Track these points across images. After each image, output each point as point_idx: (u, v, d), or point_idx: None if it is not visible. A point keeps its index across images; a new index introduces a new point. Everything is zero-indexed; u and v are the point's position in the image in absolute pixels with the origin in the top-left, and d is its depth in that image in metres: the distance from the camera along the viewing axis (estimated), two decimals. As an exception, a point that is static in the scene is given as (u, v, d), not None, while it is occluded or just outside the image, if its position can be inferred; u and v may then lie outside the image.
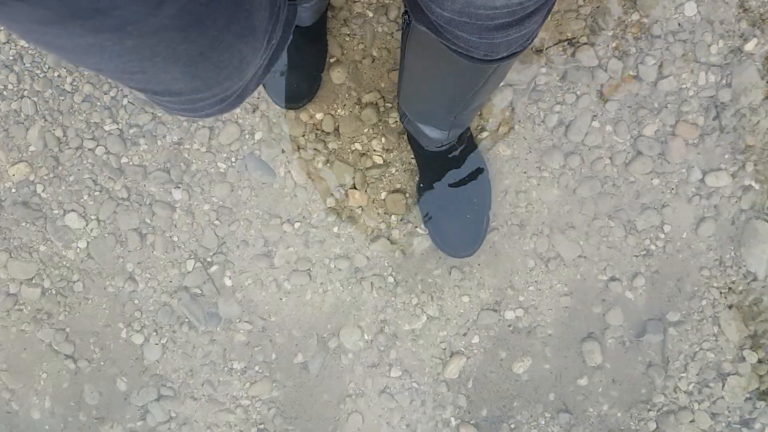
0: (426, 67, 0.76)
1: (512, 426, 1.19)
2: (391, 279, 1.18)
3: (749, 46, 1.10)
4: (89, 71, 1.01)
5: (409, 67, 0.84)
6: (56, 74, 1.17)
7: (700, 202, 1.14)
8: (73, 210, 1.16)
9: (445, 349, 1.19)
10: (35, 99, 1.15)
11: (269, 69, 0.58)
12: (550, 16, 1.09)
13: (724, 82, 1.11)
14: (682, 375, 1.17)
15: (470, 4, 0.49)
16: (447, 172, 1.11)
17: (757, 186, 1.13)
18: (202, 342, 1.19)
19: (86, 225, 1.17)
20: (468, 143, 1.11)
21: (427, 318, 1.18)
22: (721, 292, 1.16)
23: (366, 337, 1.19)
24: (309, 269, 1.18)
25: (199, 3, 0.42)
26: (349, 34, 1.12)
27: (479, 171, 1.13)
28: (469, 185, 1.12)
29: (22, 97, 1.16)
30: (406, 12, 0.70)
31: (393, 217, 1.17)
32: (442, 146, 1.07)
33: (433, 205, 1.13)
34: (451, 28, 0.55)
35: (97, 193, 1.16)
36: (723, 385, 1.17)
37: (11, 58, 1.16)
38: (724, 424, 1.18)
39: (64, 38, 0.39)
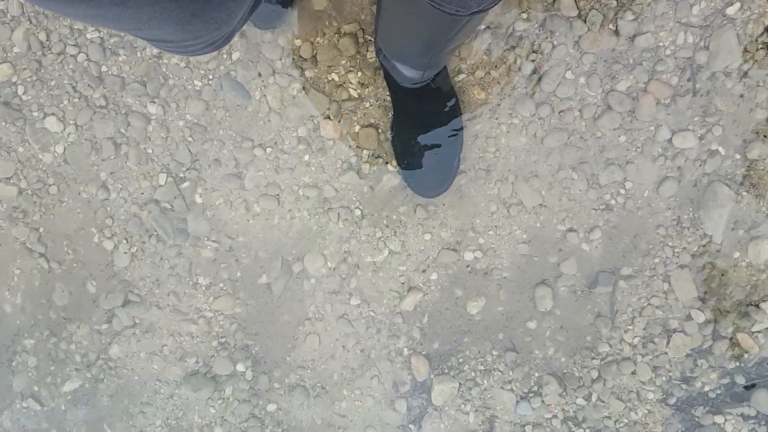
0: (401, 12, 0.79)
1: (460, 360, 1.26)
2: (357, 212, 1.23)
3: (731, 10, 1.11)
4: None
5: (385, 10, 0.87)
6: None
7: (664, 163, 1.17)
8: (52, 114, 1.20)
9: (403, 283, 1.25)
10: (21, 0, 1.18)
11: (254, 10, 0.65)
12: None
13: (702, 44, 1.13)
14: (629, 328, 1.23)
15: None
16: (421, 111, 1.15)
17: (722, 151, 1.17)
18: (169, 254, 1.25)
19: (64, 129, 1.21)
20: (443, 84, 1.14)
21: (389, 252, 1.24)
22: (675, 252, 1.21)
23: (329, 265, 1.25)
24: (278, 194, 1.23)
25: None
26: (333, -38, 1.14)
27: (453, 113, 1.16)
28: (443, 126, 1.16)
29: (8, -3, 1.19)
30: None
31: (364, 151, 1.21)
32: (416, 84, 1.10)
33: (405, 143, 1.17)
34: None
35: (76, 100, 1.20)
36: (667, 342, 1.24)
37: (-1, -43, 1.19)
38: (664, 378, 1.25)
39: (69, 7, 0.47)
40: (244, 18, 0.64)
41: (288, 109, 1.20)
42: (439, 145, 1.16)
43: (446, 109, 1.15)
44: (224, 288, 1.27)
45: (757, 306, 1.21)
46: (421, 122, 1.16)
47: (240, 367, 1.29)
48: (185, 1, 0.51)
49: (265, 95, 1.19)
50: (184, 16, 0.52)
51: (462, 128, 1.18)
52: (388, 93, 1.19)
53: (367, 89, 1.19)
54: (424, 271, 1.25)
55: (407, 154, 1.17)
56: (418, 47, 0.88)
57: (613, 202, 1.20)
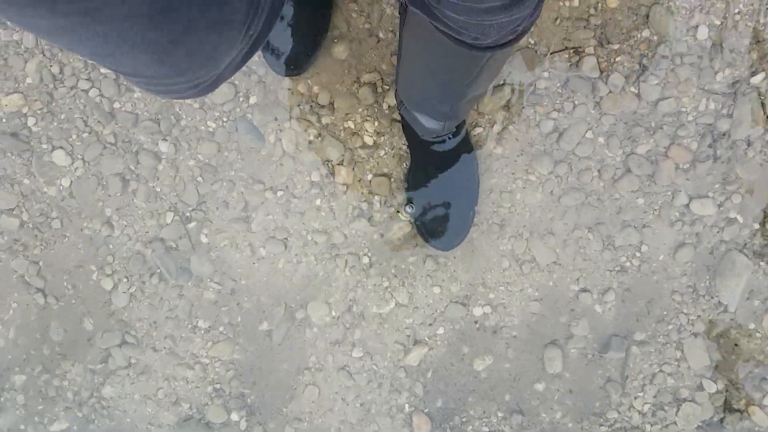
0: (421, 52, 0.79)
1: (464, 419, 1.23)
2: (365, 259, 1.21)
3: (756, 79, 1.12)
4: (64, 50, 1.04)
5: (406, 52, 0.86)
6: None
7: (681, 228, 1.17)
8: (61, 147, 1.19)
9: (409, 336, 1.23)
10: (36, 31, 1.18)
11: (249, 57, 0.61)
12: (559, 22, 1.11)
13: (724, 111, 1.13)
14: (639, 394, 1.21)
15: None
16: (438, 163, 1.14)
17: (741, 219, 1.16)
18: (170, 295, 1.23)
19: (72, 164, 1.20)
20: (462, 137, 1.13)
21: (396, 303, 1.22)
22: (689, 319, 1.19)
23: (333, 314, 1.23)
24: (286, 238, 1.21)
25: None
26: (357, 11, 1.14)
27: (470, 166, 1.16)
28: (459, 179, 1.15)
29: (24, 27, 1.19)
30: None
31: (376, 198, 1.20)
32: (437, 137, 1.09)
33: (421, 194, 1.16)
34: (441, 8, 0.56)
35: (85, 134, 1.19)
36: (677, 411, 1.21)
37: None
38: (673, 448, 1.23)
39: (36, 19, 0.42)
40: (235, 64, 0.59)
41: (302, 153, 1.19)
42: (454, 198, 1.16)
43: (463, 163, 1.14)
44: (224, 332, 1.25)
45: (771, 379, 1.19)
46: (438, 175, 1.15)
47: (234, 417, 1.26)
48: (162, 22, 0.46)
49: (280, 139, 1.19)
50: (161, 43, 0.48)
51: (478, 182, 1.17)
52: (402, 142, 1.18)
53: (382, 138, 1.19)
54: (430, 324, 1.23)
55: (422, 205, 1.16)
56: (438, 92, 0.88)
57: (628, 264, 1.19)
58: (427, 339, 1.23)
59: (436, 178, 1.15)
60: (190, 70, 0.53)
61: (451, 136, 1.11)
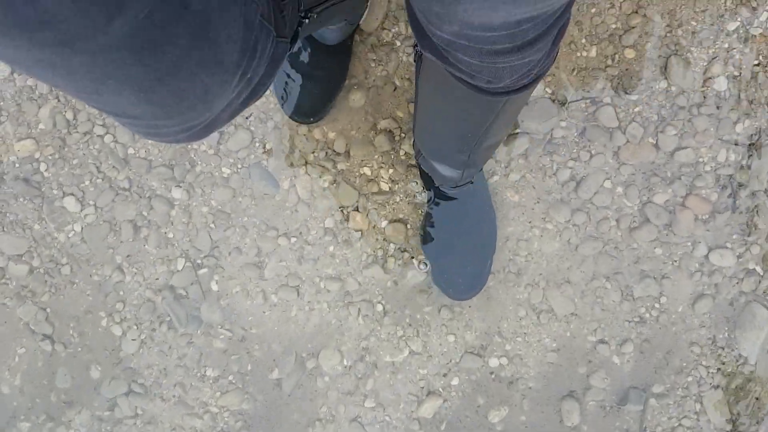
0: (437, 99, 0.78)
1: (479, 474, 1.20)
2: (379, 307, 1.20)
3: (773, 130, 1.11)
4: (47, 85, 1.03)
5: (422, 100, 0.86)
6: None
7: (701, 279, 1.15)
8: (72, 194, 1.19)
9: (423, 387, 1.21)
10: None
11: (248, 103, 0.58)
12: (576, 72, 1.11)
13: (744, 162, 1.12)
14: (658, 449, 1.19)
15: (468, 26, 0.49)
16: (456, 211, 1.13)
17: (760, 270, 1.15)
18: (179, 343, 1.21)
19: (83, 210, 1.19)
20: (480, 186, 1.13)
21: (410, 352, 1.20)
22: (709, 372, 1.17)
23: (345, 363, 1.21)
24: (298, 286, 1.20)
25: (154, 24, 0.42)
26: (374, 60, 1.14)
27: (488, 214, 1.15)
28: (477, 227, 1.14)
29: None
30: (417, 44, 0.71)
31: (391, 245, 1.19)
32: (455, 186, 1.08)
33: (438, 243, 1.15)
34: (452, 51, 0.56)
35: (98, 180, 1.18)
36: (698, 465, 1.19)
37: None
38: (693, 504, 1.20)
39: (13, 50, 0.40)
40: (232, 109, 0.57)
41: (317, 199, 1.18)
42: (472, 247, 1.14)
43: (481, 211, 1.14)
44: (233, 381, 1.23)
45: (795, 434, 1.17)
46: (456, 223, 1.14)
47: (245, 468, 1.23)
48: (146, 57, 0.44)
49: (294, 185, 1.18)
50: (146, 80, 0.45)
51: (496, 229, 1.16)
52: (418, 190, 1.17)
53: (398, 184, 1.18)
54: (445, 375, 1.21)
55: (439, 254, 1.15)
56: (455, 140, 0.87)
57: (647, 315, 1.17)
58: (441, 390, 1.21)
59: (453, 227, 1.14)
60: (179, 112, 0.51)
61: (469, 185, 1.10)
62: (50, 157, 1.19)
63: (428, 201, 1.15)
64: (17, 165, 1.20)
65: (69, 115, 1.18)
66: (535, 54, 0.55)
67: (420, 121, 0.94)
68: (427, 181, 1.12)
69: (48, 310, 1.23)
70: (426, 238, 1.16)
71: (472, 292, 1.15)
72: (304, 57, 1.08)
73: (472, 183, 1.10)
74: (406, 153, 1.17)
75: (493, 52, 0.53)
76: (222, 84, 0.51)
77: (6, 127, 1.19)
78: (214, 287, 1.21)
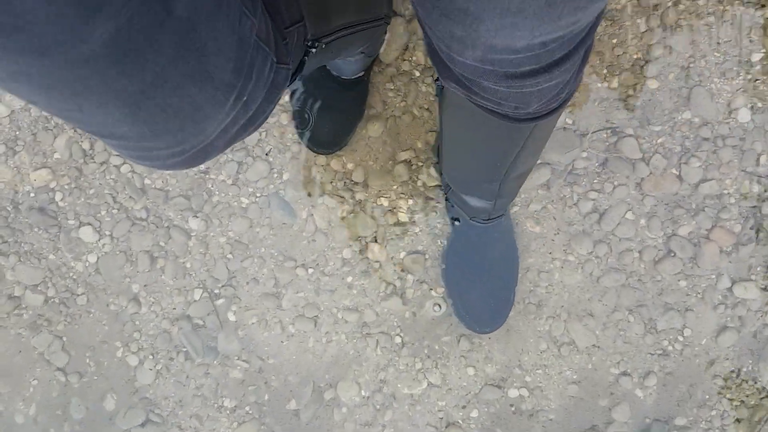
0: (463, 131, 0.77)
1: None
2: (398, 339, 1.19)
3: (799, 161, 1.10)
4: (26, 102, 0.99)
5: (447, 133, 0.85)
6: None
7: (725, 311, 1.14)
8: (89, 223, 1.18)
9: (441, 418, 1.19)
10: None
11: (246, 130, 0.56)
12: (597, 102, 1.10)
13: (767, 194, 1.11)
14: (681, 483, 1.17)
15: (491, 50, 0.47)
16: (480, 244, 1.12)
17: (786, 303, 1.14)
18: (196, 374, 1.20)
19: (99, 240, 1.19)
20: (504, 217, 1.11)
21: (428, 384, 1.19)
22: (732, 404, 1.16)
23: (363, 394, 1.20)
24: (316, 316, 1.19)
25: (136, 30, 0.40)
26: (393, 90, 1.14)
27: (510, 245, 1.14)
28: (500, 259, 1.13)
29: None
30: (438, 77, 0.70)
31: (409, 276, 1.18)
32: (488, 219, 1.06)
33: (461, 275, 1.14)
34: (476, 79, 0.54)
35: (115, 211, 1.18)
36: (721, 500, 1.17)
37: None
38: None
39: None
40: (230, 135, 0.54)
41: (335, 230, 1.17)
42: (495, 279, 1.13)
43: (505, 243, 1.13)
44: (250, 412, 1.22)
45: (820, 470, 1.16)
46: (480, 255, 1.13)
47: (261, 500, 1.22)
48: (130, 67, 0.41)
49: (312, 215, 1.17)
50: (130, 93, 0.43)
51: (518, 261, 1.15)
52: (438, 221, 1.16)
53: (416, 215, 1.17)
54: (464, 407, 1.20)
55: (461, 286, 1.14)
56: (485, 171, 0.86)
57: (670, 348, 1.16)
58: (460, 422, 1.20)
59: (477, 260, 1.13)
60: (167, 130, 0.48)
61: (498, 218, 1.08)
62: (66, 187, 1.19)
63: (452, 233, 1.14)
64: (32, 195, 1.19)
65: (85, 145, 1.18)
66: (562, 75, 0.53)
67: (447, 155, 0.93)
68: (454, 214, 1.11)
69: (64, 339, 1.22)
70: (448, 271, 1.15)
71: (495, 325, 1.14)
72: (323, 88, 1.08)
73: (503, 215, 1.08)
74: (424, 184, 1.16)
75: (519, 75, 0.51)
76: (214, 103, 0.49)
77: (22, 156, 1.19)
78: (231, 317, 1.20)
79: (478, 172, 0.88)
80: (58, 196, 1.19)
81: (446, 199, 1.11)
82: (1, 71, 0.39)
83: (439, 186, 1.16)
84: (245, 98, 0.52)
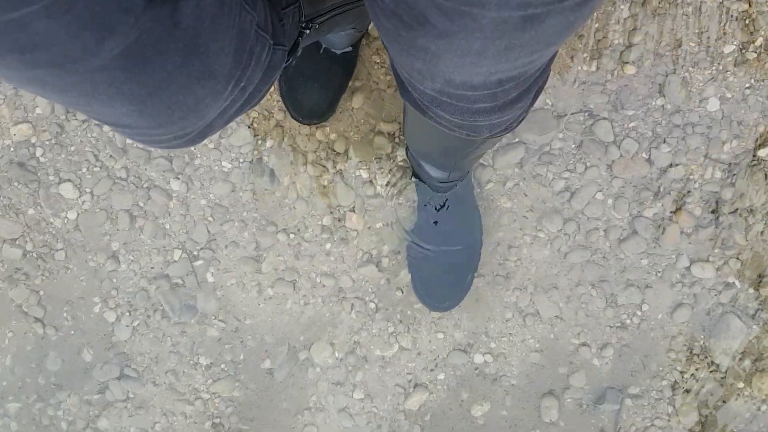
0: (420, 126, 0.81)
1: (460, 465, 1.27)
2: (372, 305, 1.24)
3: (762, 152, 1.17)
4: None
5: (408, 119, 0.88)
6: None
7: (681, 289, 1.22)
8: (69, 180, 1.19)
9: (410, 380, 1.26)
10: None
11: (243, 110, 0.59)
12: (576, 85, 1.14)
13: (729, 180, 1.18)
14: (630, 446, 1.27)
15: (449, 84, 0.49)
16: (442, 221, 1.16)
17: (738, 284, 1.21)
18: (173, 332, 1.24)
19: (79, 197, 1.20)
20: (467, 197, 1.16)
21: (399, 348, 1.25)
22: (683, 376, 1.25)
23: (336, 355, 1.26)
24: (295, 280, 1.23)
25: (145, 44, 0.42)
26: (378, 63, 1.16)
27: (474, 229, 1.19)
28: (461, 240, 1.18)
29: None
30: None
31: (385, 246, 1.22)
32: (443, 182, 1.11)
33: (421, 252, 1.19)
34: (433, 107, 0.56)
35: (96, 168, 1.19)
36: (665, 462, 1.27)
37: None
38: (658, 497, 1.29)
39: (5, 70, 0.41)
40: (227, 116, 0.57)
41: (315, 198, 1.21)
42: (455, 259, 1.18)
43: (467, 224, 1.17)
44: (225, 369, 1.26)
45: (756, 438, 1.26)
46: (441, 233, 1.17)
47: (234, 453, 1.28)
48: (138, 74, 0.44)
49: (294, 182, 1.20)
50: (138, 95, 0.46)
51: (481, 245, 1.20)
52: (414, 195, 1.20)
53: (394, 188, 1.21)
54: (432, 370, 1.26)
55: (422, 263, 1.19)
56: (440, 155, 0.91)
57: (628, 321, 1.24)
58: (427, 383, 1.27)
59: (439, 237, 1.18)
60: (170, 122, 0.51)
61: (457, 189, 1.13)
62: (47, 143, 1.19)
63: (417, 212, 1.18)
64: (12, 149, 1.19)
65: (67, 102, 1.18)
66: (515, 112, 0.56)
67: (408, 132, 0.97)
68: (416, 177, 1.15)
69: (41, 293, 1.24)
70: (410, 246, 1.20)
71: (448, 304, 1.20)
72: (311, 60, 1.10)
73: (457, 185, 1.12)
74: (403, 158, 1.19)
75: (473, 111, 0.53)
76: (214, 94, 0.52)
77: (2, 110, 1.18)
78: (210, 278, 1.24)
79: (434, 153, 0.93)
80: (38, 152, 1.19)
81: (406, 152, 1.15)
82: (19, 78, 0.42)
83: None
84: (243, 83, 0.55)
